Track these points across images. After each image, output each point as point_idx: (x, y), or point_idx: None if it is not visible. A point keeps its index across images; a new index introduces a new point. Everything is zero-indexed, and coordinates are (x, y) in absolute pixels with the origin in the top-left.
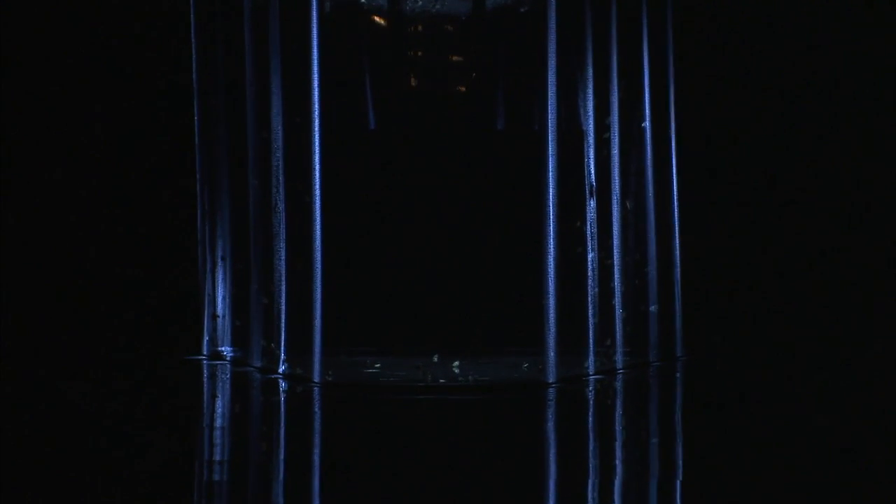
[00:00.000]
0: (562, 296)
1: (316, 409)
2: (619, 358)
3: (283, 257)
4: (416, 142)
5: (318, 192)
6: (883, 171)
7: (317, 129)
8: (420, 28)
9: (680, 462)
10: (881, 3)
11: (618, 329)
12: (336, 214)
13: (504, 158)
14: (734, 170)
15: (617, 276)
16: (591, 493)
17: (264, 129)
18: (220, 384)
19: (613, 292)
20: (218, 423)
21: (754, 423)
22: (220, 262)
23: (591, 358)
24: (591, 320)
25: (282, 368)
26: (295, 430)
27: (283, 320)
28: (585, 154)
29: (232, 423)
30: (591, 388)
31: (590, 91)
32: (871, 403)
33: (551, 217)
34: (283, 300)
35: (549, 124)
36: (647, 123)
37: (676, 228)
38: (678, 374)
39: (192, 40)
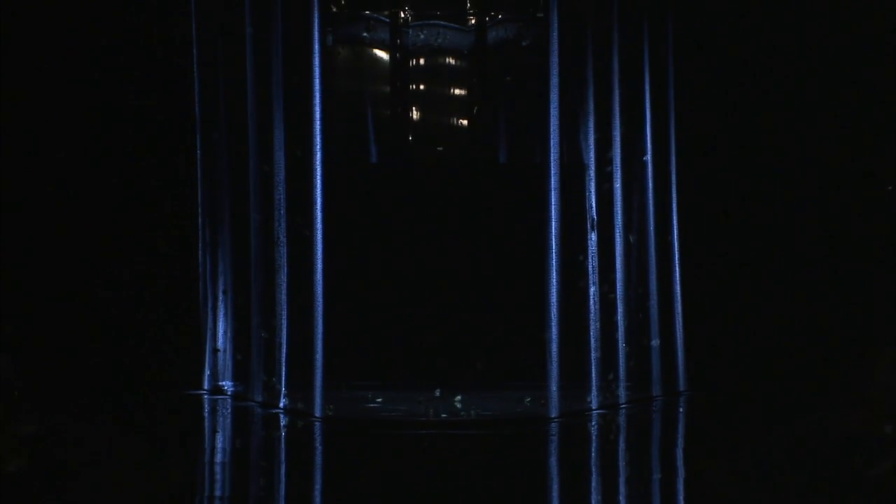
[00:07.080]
0: (564, 330)
1: (317, 444)
2: (621, 392)
3: (284, 291)
4: (417, 175)
5: (319, 225)
6: (887, 204)
7: (318, 162)
8: (422, 61)
9: (682, 498)
10: (883, 14)
11: (621, 363)
12: (338, 248)
13: (506, 192)
14: (735, 203)
15: (620, 310)
16: None
17: (266, 162)
18: (221, 418)
19: (617, 326)
20: (219, 457)
21: (757, 457)
22: (221, 296)
23: (594, 392)
24: (593, 354)
25: (283, 403)
26: (296, 466)
27: (283, 354)
28: (587, 187)
29: (233, 458)
30: (594, 423)
31: (591, 124)
32: (876, 437)
33: (553, 250)
34: (284, 334)
35: (552, 157)
36: (648, 157)
37: (677, 262)
38: (681, 409)
39: (195, 74)
